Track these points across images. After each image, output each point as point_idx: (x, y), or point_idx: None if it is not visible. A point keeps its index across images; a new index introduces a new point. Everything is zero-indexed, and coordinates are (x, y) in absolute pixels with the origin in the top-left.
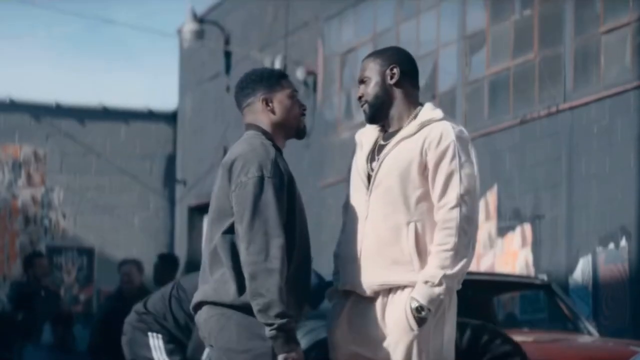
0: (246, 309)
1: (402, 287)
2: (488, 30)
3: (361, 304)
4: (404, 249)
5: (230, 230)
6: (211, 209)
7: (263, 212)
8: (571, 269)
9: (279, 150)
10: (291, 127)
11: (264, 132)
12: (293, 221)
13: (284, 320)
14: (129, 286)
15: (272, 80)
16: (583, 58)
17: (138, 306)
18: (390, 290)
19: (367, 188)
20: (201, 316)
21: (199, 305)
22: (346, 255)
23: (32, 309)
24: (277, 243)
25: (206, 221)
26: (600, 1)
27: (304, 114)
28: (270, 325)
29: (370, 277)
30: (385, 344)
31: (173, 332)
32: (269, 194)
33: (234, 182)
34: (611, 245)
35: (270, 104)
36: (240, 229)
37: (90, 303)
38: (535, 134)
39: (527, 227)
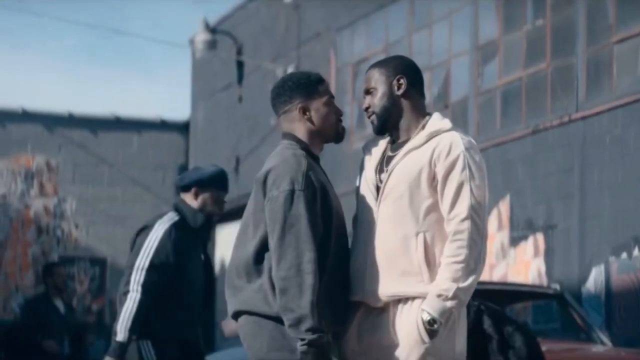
0: (280, 320)
1: (412, 299)
2: (500, 40)
3: (371, 315)
4: (413, 259)
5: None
6: (245, 220)
7: (294, 226)
8: (584, 279)
9: (314, 158)
10: (328, 134)
11: (299, 141)
12: (329, 233)
13: (314, 336)
14: None
15: (310, 87)
16: (595, 68)
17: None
18: (399, 301)
19: (376, 199)
20: (239, 323)
21: (237, 314)
22: (355, 267)
23: (50, 328)
24: (308, 257)
25: (219, 230)
26: (612, 11)
27: (340, 120)
28: (302, 340)
29: (379, 288)
30: (396, 355)
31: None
32: (299, 208)
33: (267, 196)
34: (624, 255)
35: (307, 113)
36: (272, 244)
37: (102, 313)
38: (547, 144)
39: (540, 237)
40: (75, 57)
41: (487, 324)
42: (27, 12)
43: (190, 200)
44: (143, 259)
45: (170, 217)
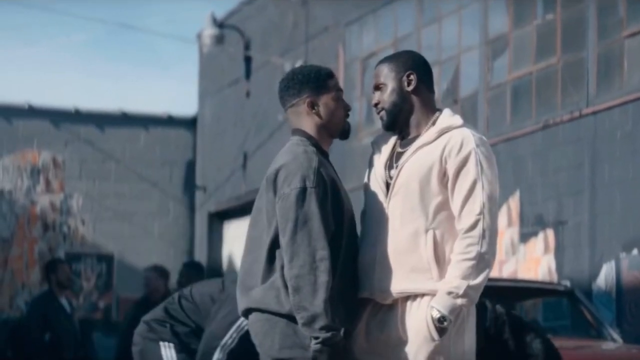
0: (291, 317)
1: (421, 295)
2: (510, 34)
3: (379, 311)
4: (423, 256)
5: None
6: (255, 218)
7: (306, 223)
8: (594, 275)
9: (324, 154)
10: (335, 129)
11: (309, 137)
12: (341, 230)
13: (328, 334)
14: (153, 294)
15: (319, 81)
16: (606, 62)
17: (147, 316)
18: (408, 298)
19: (386, 195)
20: (250, 320)
21: (248, 312)
22: (364, 263)
23: (58, 327)
24: (321, 255)
25: (227, 226)
26: (623, 5)
27: (347, 115)
28: (315, 338)
29: (388, 285)
30: (405, 352)
31: (185, 340)
32: (312, 205)
33: (278, 194)
34: (634, 251)
35: (315, 107)
36: (283, 242)
37: (109, 310)
38: (557, 139)
39: (550, 233)
40: (83, 53)
41: (508, 333)
42: (37, 8)
43: None
44: None
45: None
